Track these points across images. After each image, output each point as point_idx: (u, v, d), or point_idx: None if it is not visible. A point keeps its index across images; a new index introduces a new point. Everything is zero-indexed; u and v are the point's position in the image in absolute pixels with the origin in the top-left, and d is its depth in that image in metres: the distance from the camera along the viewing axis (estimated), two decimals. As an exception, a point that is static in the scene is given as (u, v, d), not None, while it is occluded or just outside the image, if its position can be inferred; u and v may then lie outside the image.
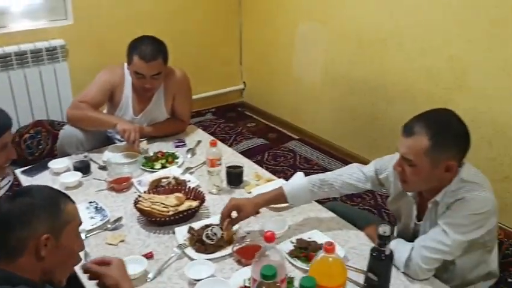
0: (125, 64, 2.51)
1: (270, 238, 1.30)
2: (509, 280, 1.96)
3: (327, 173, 1.91)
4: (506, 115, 2.61)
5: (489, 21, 2.58)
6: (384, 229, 1.29)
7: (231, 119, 4.38)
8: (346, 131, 3.66)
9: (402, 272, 1.61)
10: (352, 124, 3.59)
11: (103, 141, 2.64)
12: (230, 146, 3.64)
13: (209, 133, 3.80)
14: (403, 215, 1.81)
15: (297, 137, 4.01)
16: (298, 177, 1.91)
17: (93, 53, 3.55)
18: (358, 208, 2.83)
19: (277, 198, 1.87)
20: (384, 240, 1.30)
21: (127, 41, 2.49)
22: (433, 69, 2.93)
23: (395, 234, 1.87)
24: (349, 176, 1.86)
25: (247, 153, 3.49)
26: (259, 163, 3.38)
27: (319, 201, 2.06)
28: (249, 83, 4.68)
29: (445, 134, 1.52)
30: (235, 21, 4.44)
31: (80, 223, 1.32)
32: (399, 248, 1.62)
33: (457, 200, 1.55)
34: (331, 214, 1.98)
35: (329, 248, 1.26)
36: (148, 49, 2.38)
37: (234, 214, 1.78)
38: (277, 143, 3.86)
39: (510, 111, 2.59)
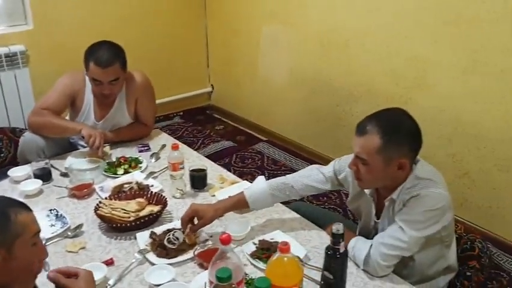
0: None
1: (226, 240, 1.30)
2: (468, 274, 2.01)
3: (287, 175, 1.92)
4: (465, 112, 2.68)
5: (442, 22, 2.66)
6: (337, 227, 1.31)
7: (199, 122, 4.38)
8: (312, 131, 3.70)
9: (363, 270, 1.63)
10: (318, 125, 3.63)
11: (65, 147, 2.60)
12: (197, 149, 3.64)
13: (176, 137, 3.80)
14: (363, 213, 1.84)
15: (265, 139, 4.04)
16: (260, 182, 1.91)
17: (54, 58, 3.51)
18: (323, 207, 2.87)
19: (238, 204, 1.87)
20: (338, 238, 1.31)
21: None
22: (394, 70, 2.99)
23: (357, 232, 1.90)
24: (309, 178, 1.88)
25: (215, 156, 3.51)
26: (227, 166, 3.40)
27: (283, 202, 2.07)
28: (216, 85, 4.68)
29: (396, 133, 1.55)
30: (200, 24, 4.44)
31: (38, 231, 1.27)
32: (358, 245, 1.65)
33: (412, 197, 1.57)
34: (294, 214, 2.00)
35: (284, 248, 1.28)
36: (105, 55, 2.34)
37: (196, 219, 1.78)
38: (245, 145, 3.88)
39: (468, 109, 2.66)
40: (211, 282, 1.28)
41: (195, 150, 3.04)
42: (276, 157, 3.61)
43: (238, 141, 3.99)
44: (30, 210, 1.27)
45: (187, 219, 1.76)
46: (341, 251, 1.33)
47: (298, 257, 1.66)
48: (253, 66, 4.09)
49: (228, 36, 4.27)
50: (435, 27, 2.72)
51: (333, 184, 1.89)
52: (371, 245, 1.62)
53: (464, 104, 2.68)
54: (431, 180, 1.60)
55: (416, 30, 2.83)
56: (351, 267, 1.64)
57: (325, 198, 3.03)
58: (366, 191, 1.75)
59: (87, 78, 2.49)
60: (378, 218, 1.75)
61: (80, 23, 3.62)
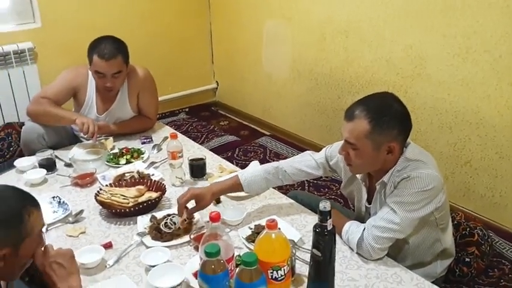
0: None
1: (215, 218, 1.34)
2: (467, 260, 2.01)
3: (281, 161, 1.96)
4: (464, 100, 2.68)
5: (439, 10, 2.66)
6: (324, 205, 1.32)
7: (204, 118, 4.42)
8: (314, 124, 3.72)
9: (357, 253, 1.64)
10: (320, 118, 3.65)
11: (70, 139, 2.66)
12: (201, 143, 3.68)
13: (181, 132, 3.84)
14: (356, 198, 1.85)
15: (268, 133, 4.07)
16: (254, 166, 1.95)
17: (62, 55, 3.58)
18: (324, 198, 2.89)
19: (233, 187, 1.90)
20: (325, 215, 1.32)
21: (95, 42, 2.50)
22: (392, 59, 3.00)
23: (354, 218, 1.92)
24: (302, 163, 1.91)
25: (218, 150, 3.54)
26: (230, 159, 3.43)
27: (281, 190, 2.11)
28: (221, 82, 4.72)
29: (384, 117, 1.55)
30: (204, 21, 4.49)
31: (43, 225, 1.34)
32: (352, 229, 1.66)
33: (403, 179, 1.58)
34: (291, 201, 2.02)
35: (271, 224, 1.30)
36: (107, 48, 2.40)
37: (192, 203, 1.82)
38: (249, 139, 3.91)
39: (467, 96, 2.66)
40: (201, 259, 1.32)
41: (199, 144, 3.06)
42: (279, 150, 3.64)
43: (242, 136, 4.02)
44: (38, 205, 1.31)
45: (186, 202, 1.78)
46: (329, 228, 1.34)
47: (293, 241, 1.69)
48: (257, 62, 4.12)
49: (232, 32, 4.31)
50: (428, 15, 2.72)
51: (325, 170, 1.91)
52: (364, 229, 1.63)
53: (461, 92, 2.68)
54: (421, 162, 1.60)
55: (409, 19, 2.83)
56: (345, 251, 1.67)
57: (326, 189, 3.05)
58: (358, 175, 1.76)
59: (90, 72, 2.54)
60: (370, 203, 1.76)
61: (86, 22, 3.69)
